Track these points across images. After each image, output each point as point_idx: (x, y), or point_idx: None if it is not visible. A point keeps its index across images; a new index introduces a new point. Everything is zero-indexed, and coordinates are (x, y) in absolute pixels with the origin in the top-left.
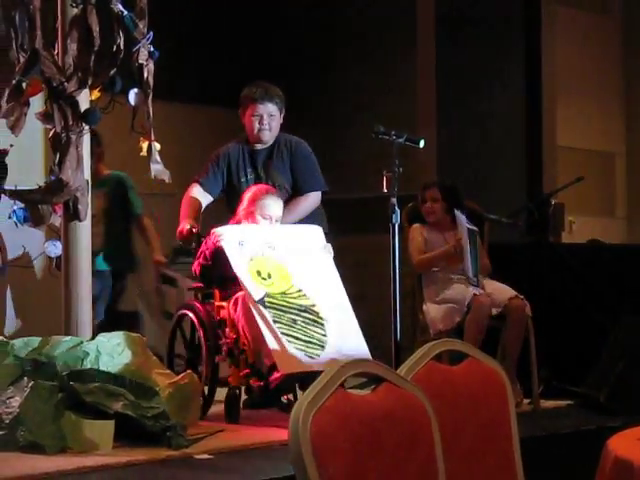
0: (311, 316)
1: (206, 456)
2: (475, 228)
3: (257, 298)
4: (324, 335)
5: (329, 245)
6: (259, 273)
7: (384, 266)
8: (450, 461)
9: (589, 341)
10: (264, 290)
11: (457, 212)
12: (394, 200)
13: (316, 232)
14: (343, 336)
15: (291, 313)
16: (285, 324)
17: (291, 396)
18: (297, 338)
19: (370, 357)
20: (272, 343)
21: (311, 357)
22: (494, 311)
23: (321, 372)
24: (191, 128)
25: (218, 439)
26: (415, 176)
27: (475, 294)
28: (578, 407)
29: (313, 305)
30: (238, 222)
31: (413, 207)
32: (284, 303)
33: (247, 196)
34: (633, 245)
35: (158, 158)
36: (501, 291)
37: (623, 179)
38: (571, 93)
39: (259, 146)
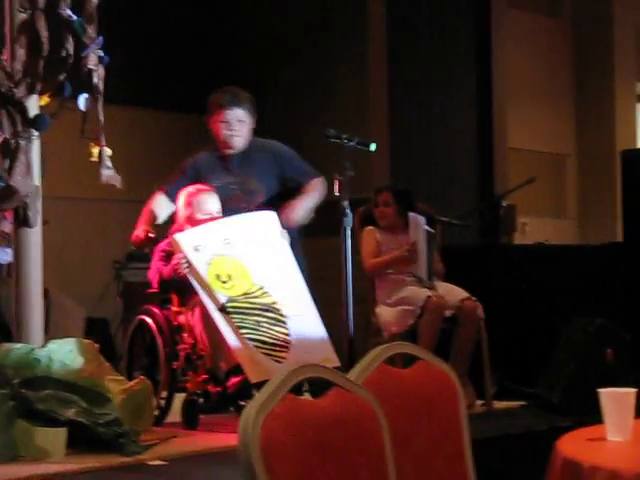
0: (274, 315)
1: (160, 462)
2: (432, 230)
3: (219, 305)
4: (287, 334)
5: (285, 231)
6: (218, 277)
7: (336, 269)
8: (401, 465)
9: (541, 342)
10: (226, 296)
11: (413, 215)
12: (346, 203)
13: (270, 217)
14: (305, 333)
15: (255, 315)
16: (251, 328)
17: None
18: (263, 342)
19: (333, 352)
20: (239, 351)
21: (278, 361)
22: (447, 313)
23: None
24: (142, 133)
25: (172, 445)
26: (367, 179)
27: (429, 296)
28: (531, 408)
29: (274, 302)
30: (179, 230)
31: (366, 210)
32: (247, 305)
33: (179, 204)
34: (584, 246)
35: (109, 163)
36: (453, 293)
37: (574, 180)
38: (522, 95)
39: (230, 151)
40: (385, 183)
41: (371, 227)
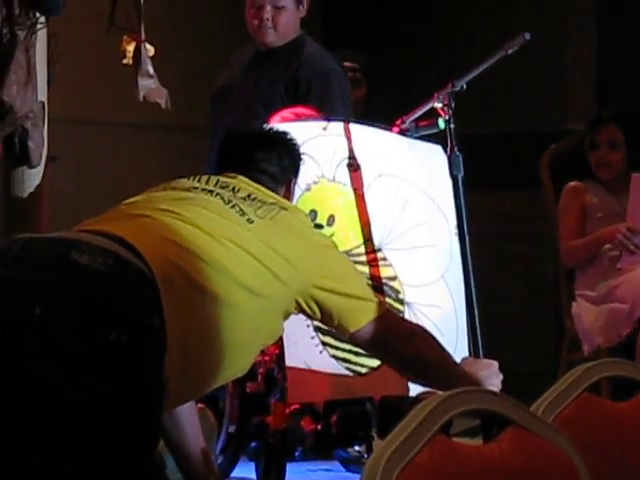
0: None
1: None
2: None
3: None
4: None
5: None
6: (315, 214)
7: (521, 243)
8: None
9: None
10: None
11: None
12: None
13: (436, 152)
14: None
15: None
16: None
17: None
18: (341, 339)
19: None
20: (290, 354)
21: (358, 372)
22: None
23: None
24: (204, 27)
25: None
26: (563, 106)
27: None
28: None
29: (394, 278)
30: None
31: (559, 150)
32: None
33: None
34: None
35: (150, 69)
36: None
37: None
38: None
39: (262, 48)
40: (605, 111)
41: (576, 183)
